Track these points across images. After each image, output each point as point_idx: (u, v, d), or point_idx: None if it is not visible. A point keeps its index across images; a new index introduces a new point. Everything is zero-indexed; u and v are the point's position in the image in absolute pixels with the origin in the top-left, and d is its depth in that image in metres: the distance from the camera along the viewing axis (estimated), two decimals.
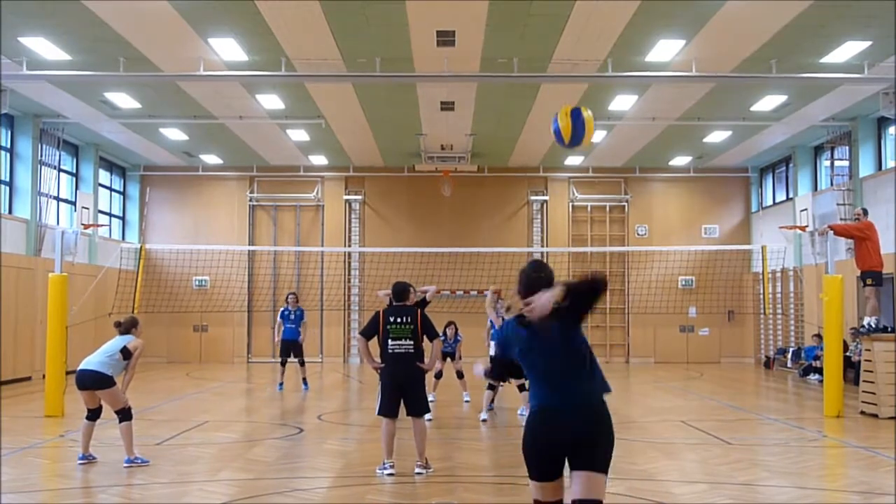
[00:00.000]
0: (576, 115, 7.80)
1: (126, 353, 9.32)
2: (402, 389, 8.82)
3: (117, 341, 9.41)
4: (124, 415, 9.21)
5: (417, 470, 8.75)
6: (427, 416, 12.81)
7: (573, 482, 4.52)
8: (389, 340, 8.84)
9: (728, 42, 14.70)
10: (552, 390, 4.62)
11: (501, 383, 12.92)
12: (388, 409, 8.81)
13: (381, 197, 27.26)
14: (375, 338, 9.00)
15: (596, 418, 4.56)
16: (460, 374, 15.24)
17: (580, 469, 4.49)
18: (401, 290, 9.12)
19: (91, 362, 9.27)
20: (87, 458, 9.30)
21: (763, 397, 17.74)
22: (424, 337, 8.95)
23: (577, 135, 7.82)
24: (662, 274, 25.35)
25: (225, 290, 25.10)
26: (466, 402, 14.94)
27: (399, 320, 8.90)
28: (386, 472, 8.66)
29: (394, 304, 9.11)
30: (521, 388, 12.72)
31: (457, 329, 15.52)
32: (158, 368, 23.99)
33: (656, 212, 27.42)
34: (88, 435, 9.37)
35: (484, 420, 12.61)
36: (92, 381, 9.18)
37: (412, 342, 8.85)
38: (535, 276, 4.86)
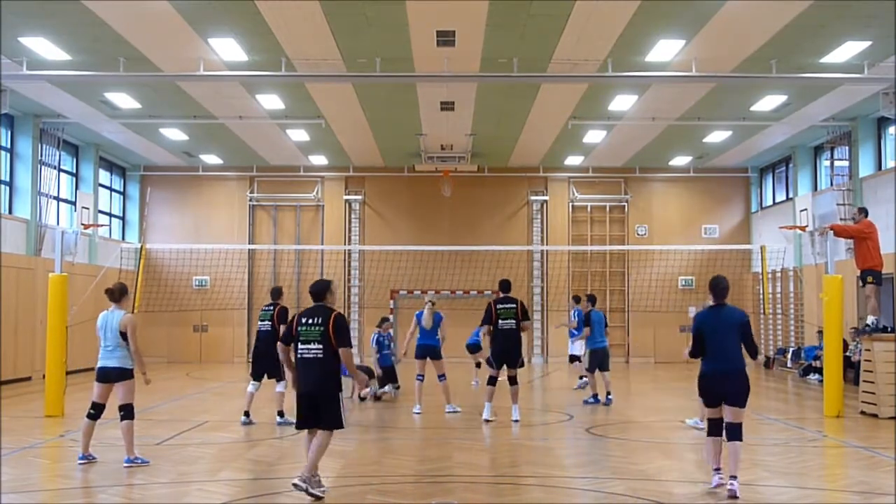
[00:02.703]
0: None
1: (124, 336, 9.29)
2: (313, 398, 7.82)
3: (112, 320, 9.29)
4: (127, 412, 9.18)
5: (296, 481, 7.59)
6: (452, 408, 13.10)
7: (725, 412, 7.98)
8: (299, 344, 7.86)
9: (728, 42, 14.70)
10: (719, 355, 8.03)
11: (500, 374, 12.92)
12: (301, 422, 7.97)
13: (381, 197, 27.25)
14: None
15: (742, 378, 7.98)
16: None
17: (729, 405, 7.97)
18: (317, 290, 8.16)
19: (110, 359, 9.26)
20: (87, 459, 9.27)
21: (763, 397, 17.71)
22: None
23: None
24: (662, 274, 25.35)
25: (225, 289, 25.10)
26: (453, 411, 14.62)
27: (310, 321, 7.88)
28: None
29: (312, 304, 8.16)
30: (513, 380, 12.71)
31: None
32: (158, 368, 23.97)
33: (656, 212, 27.42)
34: (89, 434, 9.35)
35: (491, 420, 12.45)
36: (116, 375, 9.24)
37: (321, 346, 7.78)
38: (725, 285, 8.13)
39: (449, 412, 13.55)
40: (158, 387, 18.60)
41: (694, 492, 8.02)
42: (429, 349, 13.84)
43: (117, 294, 9.46)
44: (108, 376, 9.28)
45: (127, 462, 9.06)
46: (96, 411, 9.36)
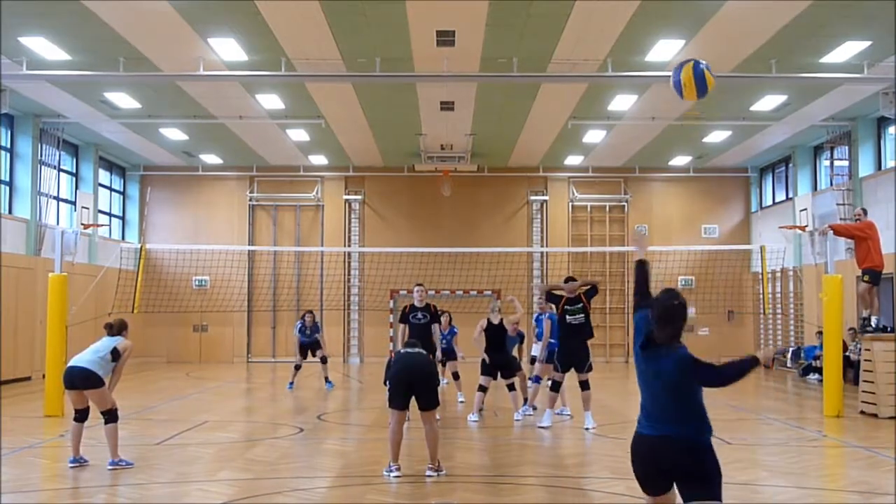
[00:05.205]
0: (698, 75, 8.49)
1: (116, 354, 9.19)
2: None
3: (107, 342, 9.27)
4: (111, 416, 9.07)
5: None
6: None
7: None
8: None
9: (728, 42, 14.70)
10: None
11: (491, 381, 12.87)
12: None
13: (381, 197, 27.26)
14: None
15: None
16: (456, 376, 15.31)
17: None
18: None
19: (81, 360, 9.10)
20: (79, 462, 9.10)
21: (763, 397, 17.72)
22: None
23: (701, 89, 8.55)
24: (662, 274, 25.27)
25: (225, 290, 25.10)
26: (461, 402, 14.86)
27: None
28: None
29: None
30: (511, 387, 12.72)
31: (451, 319, 16.13)
32: (158, 368, 23.99)
33: (656, 212, 27.42)
34: (78, 437, 9.18)
35: (475, 421, 12.54)
36: (81, 380, 8.98)
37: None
38: (671, 305, 4.80)
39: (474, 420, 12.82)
40: (158, 387, 18.65)
41: None
42: (444, 353, 15.33)
43: (116, 329, 9.40)
44: (73, 381, 9.01)
45: (111, 464, 8.96)
46: (81, 415, 9.20)
